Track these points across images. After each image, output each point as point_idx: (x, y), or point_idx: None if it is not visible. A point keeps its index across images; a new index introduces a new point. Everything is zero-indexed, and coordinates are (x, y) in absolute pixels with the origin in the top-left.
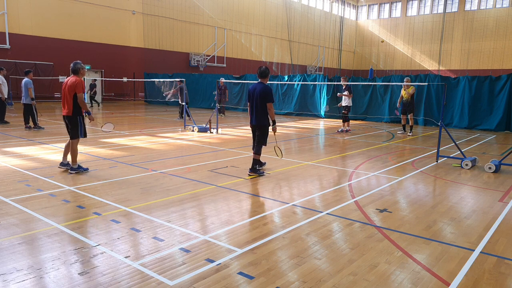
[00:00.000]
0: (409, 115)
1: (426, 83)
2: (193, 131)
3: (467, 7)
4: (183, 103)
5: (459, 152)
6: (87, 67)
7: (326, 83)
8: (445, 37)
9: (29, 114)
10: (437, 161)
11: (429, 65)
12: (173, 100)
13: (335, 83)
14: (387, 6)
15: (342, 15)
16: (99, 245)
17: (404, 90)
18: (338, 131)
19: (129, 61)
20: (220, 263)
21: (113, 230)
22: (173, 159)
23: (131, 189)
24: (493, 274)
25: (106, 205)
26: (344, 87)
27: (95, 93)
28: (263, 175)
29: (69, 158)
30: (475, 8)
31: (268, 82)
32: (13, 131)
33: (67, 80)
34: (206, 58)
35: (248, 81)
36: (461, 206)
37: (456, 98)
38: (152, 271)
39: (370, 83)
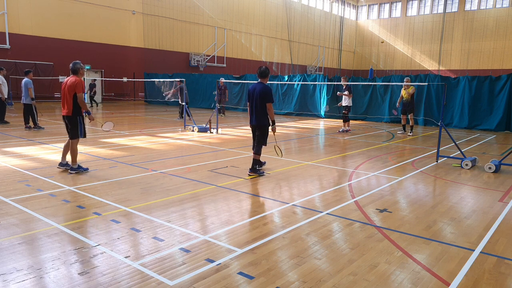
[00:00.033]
0: (409, 115)
1: (426, 83)
2: (193, 131)
3: (467, 7)
4: (183, 103)
5: (459, 152)
6: (87, 67)
7: (326, 83)
8: (445, 37)
9: (29, 114)
10: (437, 161)
11: (429, 65)
12: (173, 100)
13: (335, 83)
14: (387, 6)
15: (342, 15)
16: (99, 245)
17: (404, 90)
18: (339, 131)
19: (129, 61)
20: (220, 263)
21: (113, 230)
22: (173, 159)
23: (131, 189)
24: (493, 274)
25: (106, 205)
26: (344, 87)
27: (94, 93)
28: (263, 175)
29: (68, 158)
30: (475, 8)
31: (268, 82)
32: (13, 131)
33: (67, 80)
34: (206, 58)
35: (248, 81)
36: (461, 206)
37: (456, 98)
38: (152, 271)
39: (370, 83)
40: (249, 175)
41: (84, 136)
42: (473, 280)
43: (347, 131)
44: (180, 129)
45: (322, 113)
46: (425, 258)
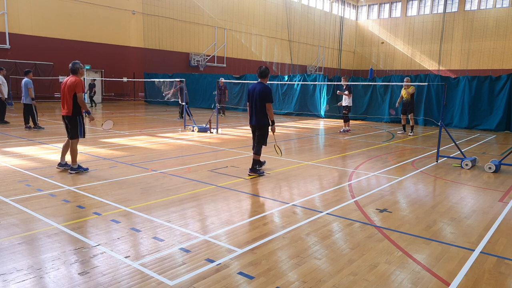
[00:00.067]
0: (409, 115)
1: (426, 83)
2: (193, 131)
3: (467, 7)
4: (183, 103)
5: (459, 152)
6: (87, 67)
7: (326, 83)
8: (445, 37)
9: (29, 114)
10: (437, 161)
11: (429, 65)
12: (173, 100)
13: (335, 83)
14: (387, 6)
15: (342, 15)
16: (99, 245)
17: (405, 89)
18: (340, 131)
19: (129, 61)
20: (220, 263)
21: (113, 230)
22: (173, 159)
23: (131, 189)
24: (493, 274)
25: (106, 205)
26: (344, 87)
27: (94, 93)
28: (263, 175)
29: (68, 159)
30: (475, 8)
31: (268, 82)
32: (13, 131)
33: (66, 80)
34: (206, 58)
35: (248, 81)
36: (461, 206)
37: (456, 98)
38: (152, 271)
39: (370, 83)
40: (249, 175)
41: (83, 136)
42: (473, 280)
43: (347, 131)
44: (180, 129)
45: (322, 112)
46: (425, 258)
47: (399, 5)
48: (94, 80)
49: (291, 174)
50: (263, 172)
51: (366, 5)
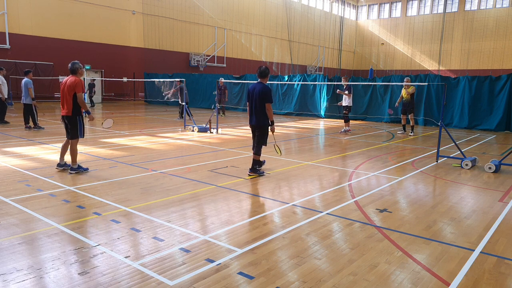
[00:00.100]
0: (409, 115)
1: (426, 83)
2: (193, 131)
3: (467, 7)
4: (183, 103)
5: (459, 152)
6: (87, 67)
7: (326, 83)
8: (445, 37)
9: (29, 114)
10: (437, 161)
11: (429, 65)
12: (173, 100)
13: (335, 83)
14: (387, 6)
15: (342, 15)
16: (99, 245)
17: (405, 89)
18: (341, 131)
19: (129, 61)
20: (220, 263)
21: (113, 230)
22: (173, 159)
23: (131, 189)
24: (493, 274)
25: (106, 205)
26: (344, 87)
27: (94, 93)
28: (263, 175)
29: (67, 159)
30: (475, 8)
31: (268, 82)
32: (13, 131)
33: (66, 80)
34: (206, 58)
35: (248, 81)
36: (461, 206)
37: (456, 98)
38: (152, 271)
39: (370, 83)
40: (249, 175)
41: (82, 136)
42: (473, 280)
43: (347, 131)
44: (180, 129)
45: (322, 113)
46: (425, 258)
47: (399, 5)
48: (94, 80)
49: (291, 174)
50: (263, 172)
51: (366, 5)
